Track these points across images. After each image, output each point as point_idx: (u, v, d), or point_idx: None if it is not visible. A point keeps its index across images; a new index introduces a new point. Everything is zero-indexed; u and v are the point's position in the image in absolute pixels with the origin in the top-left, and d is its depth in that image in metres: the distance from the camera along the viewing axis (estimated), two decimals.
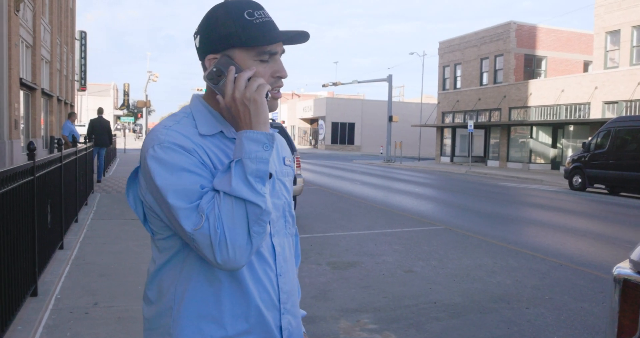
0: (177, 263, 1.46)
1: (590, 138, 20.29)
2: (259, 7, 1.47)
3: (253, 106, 1.37)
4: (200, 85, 54.94)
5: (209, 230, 1.29)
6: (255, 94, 1.38)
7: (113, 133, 17.32)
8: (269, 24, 1.46)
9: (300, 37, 1.51)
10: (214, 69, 1.44)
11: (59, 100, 27.03)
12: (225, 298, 1.44)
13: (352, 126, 65.47)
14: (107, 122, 15.67)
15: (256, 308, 1.47)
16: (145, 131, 59.00)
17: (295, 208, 1.79)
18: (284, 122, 66.58)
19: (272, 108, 1.50)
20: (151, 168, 1.36)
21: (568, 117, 30.03)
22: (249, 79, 1.41)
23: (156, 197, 1.37)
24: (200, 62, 1.53)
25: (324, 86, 45.82)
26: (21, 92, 17.04)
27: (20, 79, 16.15)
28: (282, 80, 1.52)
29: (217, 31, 1.45)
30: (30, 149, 4.94)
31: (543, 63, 35.94)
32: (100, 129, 15.18)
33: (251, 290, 1.46)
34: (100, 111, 16.04)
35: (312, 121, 71.49)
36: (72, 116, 17.06)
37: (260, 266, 1.48)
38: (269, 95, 1.44)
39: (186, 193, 1.32)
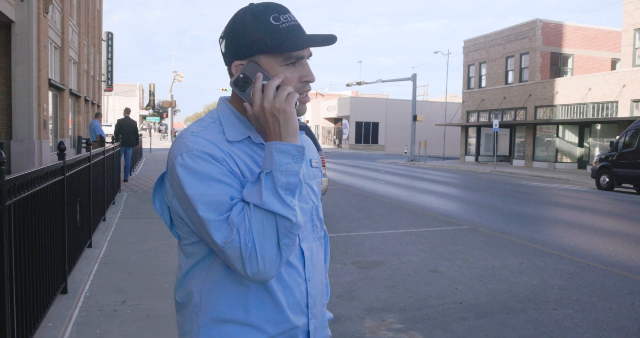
0: (204, 268, 1.45)
1: (618, 137, 19.99)
2: (285, 11, 1.44)
3: (282, 117, 1.34)
4: (224, 85, 55.18)
5: (240, 243, 1.28)
6: (284, 104, 1.35)
7: (139, 132, 17.51)
8: (296, 29, 1.42)
9: (327, 41, 1.45)
10: (241, 75, 1.41)
11: (86, 100, 27.43)
12: (252, 303, 1.43)
13: (376, 125, 65.24)
14: (134, 123, 15.87)
15: (284, 313, 1.46)
16: (171, 131, 59.59)
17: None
18: (307, 121, 66.67)
19: (301, 112, 1.48)
20: (181, 176, 1.34)
21: (595, 116, 29.59)
22: (277, 88, 1.38)
23: (185, 206, 1.36)
24: (226, 67, 1.50)
25: (348, 85, 45.78)
26: (50, 93, 17.33)
27: (49, 80, 16.42)
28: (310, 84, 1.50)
29: (243, 37, 1.42)
30: (61, 149, 5.03)
31: (569, 61, 35.44)
32: (127, 129, 15.39)
33: (278, 295, 1.44)
34: (127, 111, 16.26)
35: (336, 120, 71.43)
36: (98, 116, 17.34)
37: (287, 272, 1.47)
38: (297, 103, 1.41)
39: (216, 205, 1.31)
